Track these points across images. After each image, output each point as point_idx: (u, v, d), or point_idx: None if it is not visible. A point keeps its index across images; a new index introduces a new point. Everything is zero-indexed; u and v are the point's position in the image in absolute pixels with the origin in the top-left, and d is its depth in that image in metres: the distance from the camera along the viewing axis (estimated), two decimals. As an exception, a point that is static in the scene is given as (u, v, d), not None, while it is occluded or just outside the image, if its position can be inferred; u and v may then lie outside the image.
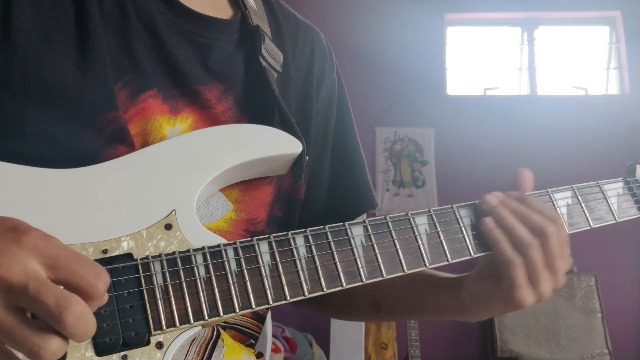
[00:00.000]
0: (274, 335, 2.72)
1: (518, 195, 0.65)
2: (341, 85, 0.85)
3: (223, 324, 0.66)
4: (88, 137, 0.57)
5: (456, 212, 0.64)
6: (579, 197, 0.71)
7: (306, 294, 0.55)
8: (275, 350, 2.61)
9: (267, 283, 0.54)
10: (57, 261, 0.41)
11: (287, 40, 0.77)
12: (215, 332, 0.62)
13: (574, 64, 4.24)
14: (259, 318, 0.73)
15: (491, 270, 0.65)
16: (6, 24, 0.55)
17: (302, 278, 0.55)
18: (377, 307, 0.79)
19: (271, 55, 0.71)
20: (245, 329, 0.70)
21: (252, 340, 0.72)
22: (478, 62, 4.30)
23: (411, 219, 0.62)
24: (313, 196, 0.78)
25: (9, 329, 0.39)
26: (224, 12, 0.71)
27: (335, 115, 0.82)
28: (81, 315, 0.40)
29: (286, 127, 0.67)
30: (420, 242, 0.61)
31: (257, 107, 0.69)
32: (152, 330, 0.50)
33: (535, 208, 0.63)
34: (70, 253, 0.42)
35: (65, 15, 0.58)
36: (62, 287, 0.41)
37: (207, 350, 0.60)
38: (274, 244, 0.56)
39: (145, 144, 0.60)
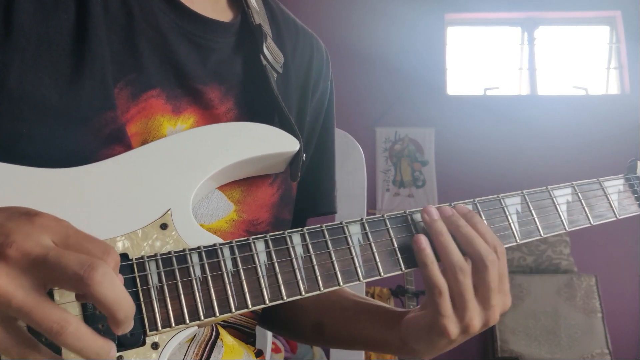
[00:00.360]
0: (274, 335, 2.72)
1: (468, 212, 0.61)
2: (332, 94, 0.85)
3: (223, 323, 0.66)
4: (85, 137, 0.56)
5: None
6: (579, 194, 0.70)
7: (303, 293, 0.54)
8: (276, 350, 2.61)
9: (264, 283, 0.53)
10: (67, 238, 0.42)
11: (287, 44, 0.77)
12: (214, 332, 0.62)
13: (574, 64, 4.24)
14: (258, 317, 0.73)
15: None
16: (7, 23, 0.55)
17: (299, 277, 0.55)
18: (320, 330, 0.76)
19: (273, 54, 0.71)
20: (245, 329, 0.70)
21: (252, 339, 0.72)
22: (478, 62, 4.30)
23: (409, 217, 0.62)
24: None
25: (31, 307, 0.39)
26: (224, 14, 0.72)
27: (321, 124, 0.82)
28: (106, 273, 0.40)
29: (285, 125, 0.67)
30: None
31: (256, 106, 0.69)
32: (147, 330, 0.49)
33: (480, 231, 0.59)
34: (79, 232, 0.44)
35: (67, 14, 0.58)
36: None
37: (206, 350, 0.60)
38: (270, 242, 0.55)
39: (144, 143, 0.60)
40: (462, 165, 3.85)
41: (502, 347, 3.34)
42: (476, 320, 0.58)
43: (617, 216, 0.72)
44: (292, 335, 0.86)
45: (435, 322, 0.58)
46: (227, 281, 0.52)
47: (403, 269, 0.59)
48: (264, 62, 0.69)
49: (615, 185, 0.73)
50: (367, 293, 2.34)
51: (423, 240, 0.59)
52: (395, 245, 0.60)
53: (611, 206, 0.71)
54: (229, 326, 0.67)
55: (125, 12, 0.61)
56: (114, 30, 0.60)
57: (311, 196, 0.81)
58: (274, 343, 2.61)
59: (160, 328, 0.49)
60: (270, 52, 0.70)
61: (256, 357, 0.70)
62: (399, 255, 0.59)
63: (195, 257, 0.53)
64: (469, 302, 0.57)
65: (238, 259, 0.54)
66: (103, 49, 0.58)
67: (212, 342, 0.61)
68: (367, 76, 4.00)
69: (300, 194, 0.79)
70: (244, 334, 0.70)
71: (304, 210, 0.81)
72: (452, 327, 0.58)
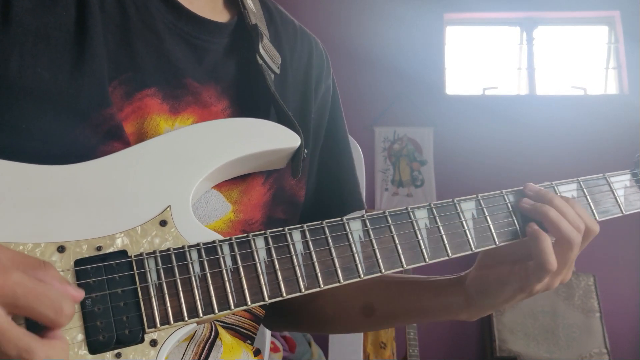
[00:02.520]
0: (272, 335, 2.71)
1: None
2: (335, 91, 0.85)
3: (221, 323, 0.66)
4: (83, 134, 0.56)
5: (457, 205, 0.63)
6: (585, 189, 0.69)
7: (303, 290, 0.54)
8: (274, 349, 2.61)
9: (263, 280, 0.53)
10: (16, 300, 0.40)
11: (285, 45, 0.77)
12: (213, 332, 0.62)
13: (572, 63, 4.24)
14: (256, 319, 0.73)
15: (503, 258, 0.67)
16: (5, 19, 0.55)
17: (299, 274, 0.54)
18: (369, 312, 0.77)
19: (269, 54, 0.71)
20: (242, 330, 0.70)
21: (249, 341, 0.71)
22: (477, 62, 4.30)
23: (411, 213, 0.61)
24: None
25: None
26: (221, 15, 0.72)
27: (327, 120, 0.82)
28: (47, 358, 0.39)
29: (283, 122, 0.67)
30: (420, 237, 0.60)
31: (253, 105, 0.69)
32: (146, 327, 0.49)
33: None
34: (29, 290, 0.40)
35: (67, 11, 0.58)
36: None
37: (205, 350, 0.60)
38: (270, 239, 0.55)
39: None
40: (460, 165, 3.85)
41: (500, 346, 3.34)
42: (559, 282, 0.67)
43: (624, 212, 0.71)
44: (339, 326, 0.86)
45: (525, 284, 0.65)
46: (226, 278, 0.52)
47: (404, 265, 0.59)
48: (260, 61, 0.69)
49: (621, 181, 0.72)
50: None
51: (534, 224, 0.64)
52: (397, 241, 0.59)
53: (617, 202, 0.71)
54: (227, 327, 0.67)
55: (120, 11, 0.62)
56: (109, 29, 0.61)
57: (337, 197, 0.81)
58: (272, 342, 2.61)
59: (158, 325, 0.49)
60: (267, 51, 0.71)
61: (254, 356, 0.70)
62: (400, 252, 0.59)
63: (194, 254, 0.52)
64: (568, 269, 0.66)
65: (237, 256, 0.53)
66: (100, 47, 0.59)
67: (211, 342, 0.61)
68: (365, 76, 4.00)
69: (324, 196, 0.79)
70: (242, 335, 0.70)
71: (332, 211, 0.79)
72: (541, 288, 0.66)
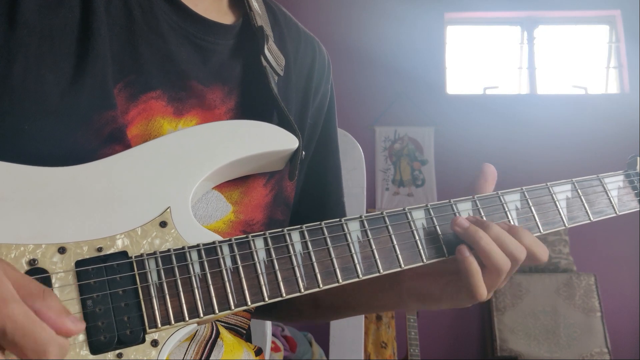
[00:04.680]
0: (273, 334, 2.72)
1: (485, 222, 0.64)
2: (332, 97, 0.85)
3: (223, 324, 0.66)
4: (85, 136, 0.56)
5: (454, 206, 0.64)
6: (579, 190, 0.70)
7: (302, 290, 0.54)
8: (275, 349, 2.61)
9: (263, 280, 0.54)
10: (3, 334, 0.39)
11: (289, 47, 0.78)
12: (214, 331, 0.62)
13: (573, 63, 4.24)
14: (253, 313, 0.74)
15: (442, 271, 0.65)
16: (12, 20, 0.55)
17: (298, 274, 0.55)
18: (316, 304, 0.80)
19: (274, 56, 0.71)
20: (240, 329, 0.70)
21: (247, 338, 0.72)
22: (478, 61, 4.31)
23: (408, 214, 0.61)
24: None
25: None
26: (226, 17, 0.72)
27: (321, 127, 0.83)
28: None
29: (284, 124, 0.67)
30: (417, 238, 0.61)
31: (257, 106, 0.70)
32: (147, 328, 0.49)
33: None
34: (19, 326, 0.39)
35: (72, 13, 0.58)
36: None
37: (206, 350, 0.60)
38: (269, 240, 0.55)
39: None
40: (461, 164, 3.85)
41: (501, 346, 3.34)
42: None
43: (617, 212, 0.71)
44: (290, 317, 0.87)
45: (455, 305, 0.65)
46: (226, 278, 0.52)
47: (402, 265, 0.59)
48: (265, 63, 0.69)
49: (615, 182, 0.73)
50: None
51: (466, 250, 0.60)
52: (395, 242, 0.60)
53: (611, 202, 0.71)
54: (229, 327, 0.67)
55: (126, 14, 0.62)
56: (115, 31, 0.61)
57: (321, 205, 0.81)
58: (273, 342, 2.62)
59: (159, 325, 0.49)
60: (272, 53, 0.71)
61: (256, 355, 0.70)
62: (398, 252, 0.59)
63: (194, 255, 0.53)
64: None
65: (237, 256, 0.54)
66: (105, 49, 0.59)
67: (212, 341, 0.61)
68: (366, 75, 4.01)
69: (307, 202, 0.79)
70: (240, 335, 0.70)
71: (313, 218, 0.81)
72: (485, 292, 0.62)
